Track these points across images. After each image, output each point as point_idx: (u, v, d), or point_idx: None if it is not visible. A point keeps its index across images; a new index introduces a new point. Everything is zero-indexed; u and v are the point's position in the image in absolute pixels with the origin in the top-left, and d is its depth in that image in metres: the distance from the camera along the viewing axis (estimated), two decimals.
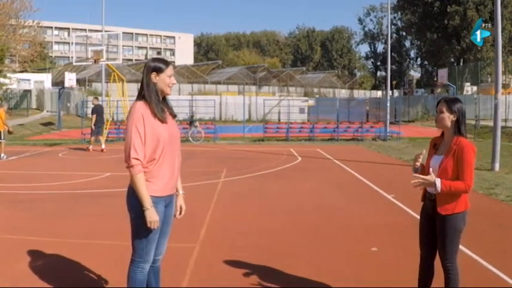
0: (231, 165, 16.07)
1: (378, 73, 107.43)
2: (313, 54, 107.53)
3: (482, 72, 54.66)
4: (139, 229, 4.08)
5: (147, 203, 3.97)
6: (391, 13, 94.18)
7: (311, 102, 48.79)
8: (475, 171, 12.77)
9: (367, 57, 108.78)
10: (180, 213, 4.53)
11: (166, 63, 4.23)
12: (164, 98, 4.25)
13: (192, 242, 7.27)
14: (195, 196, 11.05)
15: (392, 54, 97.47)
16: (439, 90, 54.77)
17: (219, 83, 64.72)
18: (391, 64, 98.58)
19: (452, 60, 58.20)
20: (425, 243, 4.70)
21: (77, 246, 7.14)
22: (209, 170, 15.28)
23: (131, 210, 4.11)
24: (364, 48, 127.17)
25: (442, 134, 4.65)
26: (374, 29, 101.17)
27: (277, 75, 73.57)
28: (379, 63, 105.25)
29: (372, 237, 7.81)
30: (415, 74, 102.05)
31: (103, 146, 21.68)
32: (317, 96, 64.50)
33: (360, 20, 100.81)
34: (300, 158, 18.96)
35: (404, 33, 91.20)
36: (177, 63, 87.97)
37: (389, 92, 35.63)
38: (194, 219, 8.63)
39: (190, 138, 26.63)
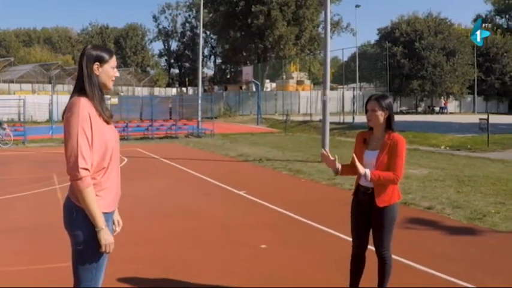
0: (59, 170, 14.68)
1: (172, 70, 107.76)
2: None
3: (283, 69, 57.66)
4: (88, 255, 3.30)
5: (101, 222, 3.22)
6: (186, 11, 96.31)
7: (114, 100, 47.42)
8: (308, 164, 13.36)
9: (160, 55, 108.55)
10: (117, 229, 3.73)
11: (110, 52, 3.47)
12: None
13: (70, 261, 6.42)
14: (42, 206, 10.07)
15: (187, 52, 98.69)
16: (244, 86, 56.52)
17: (11, 81, 60.06)
18: (185, 62, 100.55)
19: (253, 58, 60.25)
20: (359, 236, 4.79)
21: None
22: (37, 176, 13.87)
23: (77, 232, 3.28)
24: (157, 46, 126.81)
25: (371, 129, 4.72)
26: (169, 26, 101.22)
27: (72, 73, 70.37)
28: (172, 61, 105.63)
29: (254, 236, 7.76)
30: (208, 71, 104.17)
31: None
32: (122, 94, 63.06)
33: (154, 17, 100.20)
34: (126, 159, 18.14)
35: (198, 31, 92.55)
36: None
37: (201, 90, 35.70)
38: (60, 233, 7.69)
39: None
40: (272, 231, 8.05)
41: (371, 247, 4.79)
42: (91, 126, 3.22)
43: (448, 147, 20.87)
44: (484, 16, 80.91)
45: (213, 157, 18.95)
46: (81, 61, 3.37)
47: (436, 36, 53.86)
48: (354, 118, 35.48)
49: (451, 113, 56.92)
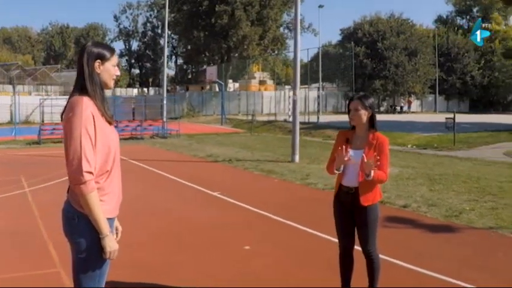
0: (27, 172, 14.40)
1: (132, 71, 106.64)
2: (66, 51, 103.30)
3: (247, 69, 57.68)
4: (91, 263, 3.15)
5: (106, 228, 3.07)
6: (147, 11, 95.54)
7: None
8: (279, 164, 13.40)
9: (121, 55, 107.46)
10: (117, 235, 3.48)
11: (111, 49, 3.31)
12: None
13: (50, 267, 6.19)
14: (10, 211, 9.75)
15: (148, 52, 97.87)
16: (208, 87, 56.31)
17: None
18: (146, 62, 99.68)
19: (216, 58, 60.11)
20: (345, 235, 4.83)
21: None
22: (5, 179, 13.45)
23: (79, 239, 3.12)
24: (118, 46, 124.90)
25: (352, 128, 4.78)
26: (129, 26, 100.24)
27: (32, 74, 69.21)
28: (133, 61, 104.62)
29: (236, 237, 7.71)
30: (169, 71, 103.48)
31: None
32: None
33: (115, 17, 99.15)
34: None
35: (160, 31, 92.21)
36: None
37: (165, 90, 35.39)
38: (32, 239, 7.51)
39: None
40: (253, 232, 8.02)
41: (358, 248, 4.82)
42: (94, 127, 3.07)
43: (414, 146, 21.16)
44: (445, 17, 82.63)
45: (181, 158, 18.79)
46: (81, 59, 3.21)
47: (398, 36, 54.66)
48: (318, 118, 35.69)
49: (412, 112, 57.82)
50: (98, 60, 3.21)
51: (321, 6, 51.88)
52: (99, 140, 3.10)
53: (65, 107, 3.18)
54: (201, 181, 12.85)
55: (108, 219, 3.15)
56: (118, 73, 3.37)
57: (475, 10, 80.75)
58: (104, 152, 3.14)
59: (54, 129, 27.28)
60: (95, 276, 3.18)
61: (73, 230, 3.15)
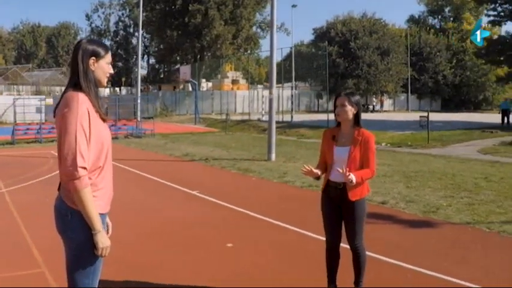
0: (3, 173, 14.10)
1: None
2: (38, 50, 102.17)
3: (220, 69, 57.64)
4: (85, 259, 3.14)
5: (98, 224, 3.06)
6: (120, 10, 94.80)
7: (49, 100, 46.26)
8: (255, 163, 13.45)
9: None
10: (108, 231, 3.48)
11: (106, 47, 3.33)
12: None
13: (34, 267, 6.13)
14: None
15: (119, 51, 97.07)
16: (181, 86, 56.14)
17: None
18: (118, 61, 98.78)
19: (189, 57, 59.94)
20: (333, 230, 4.90)
21: None
22: None
23: (72, 236, 3.11)
24: None
25: (338, 125, 4.85)
26: (101, 25, 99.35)
27: (3, 73, 68.36)
28: None
29: (217, 235, 7.73)
30: (141, 70, 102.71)
31: None
32: (57, 93, 61.42)
33: (87, 16, 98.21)
34: None
35: (132, 30, 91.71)
36: None
37: (140, 89, 35.19)
38: (13, 240, 7.46)
39: None
40: (234, 230, 8.05)
41: (343, 244, 4.90)
42: (89, 123, 3.07)
43: (389, 144, 21.39)
44: (417, 17, 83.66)
45: (158, 157, 18.73)
46: (75, 55, 3.21)
47: (370, 36, 55.09)
48: (292, 117, 35.84)
49: (385, 111, 58.36)
50: (93, 58, 3.22)
51: (294, 6, 51.95)
52: (93, 136, 3.10)
53: (59, 102, 3.18)
54: (178, 180, 12.84)
55: (101, 214, 3.16)
56: (111, 71, 3.38)
57: (446, 10, 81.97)
58: (97, 148, 3.14)
59: (27, 129, 26.98)
60: (89, 274, 3.18)
61: (66, 227, 3.15)
